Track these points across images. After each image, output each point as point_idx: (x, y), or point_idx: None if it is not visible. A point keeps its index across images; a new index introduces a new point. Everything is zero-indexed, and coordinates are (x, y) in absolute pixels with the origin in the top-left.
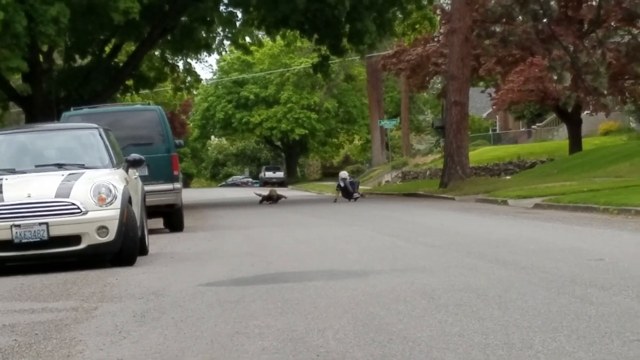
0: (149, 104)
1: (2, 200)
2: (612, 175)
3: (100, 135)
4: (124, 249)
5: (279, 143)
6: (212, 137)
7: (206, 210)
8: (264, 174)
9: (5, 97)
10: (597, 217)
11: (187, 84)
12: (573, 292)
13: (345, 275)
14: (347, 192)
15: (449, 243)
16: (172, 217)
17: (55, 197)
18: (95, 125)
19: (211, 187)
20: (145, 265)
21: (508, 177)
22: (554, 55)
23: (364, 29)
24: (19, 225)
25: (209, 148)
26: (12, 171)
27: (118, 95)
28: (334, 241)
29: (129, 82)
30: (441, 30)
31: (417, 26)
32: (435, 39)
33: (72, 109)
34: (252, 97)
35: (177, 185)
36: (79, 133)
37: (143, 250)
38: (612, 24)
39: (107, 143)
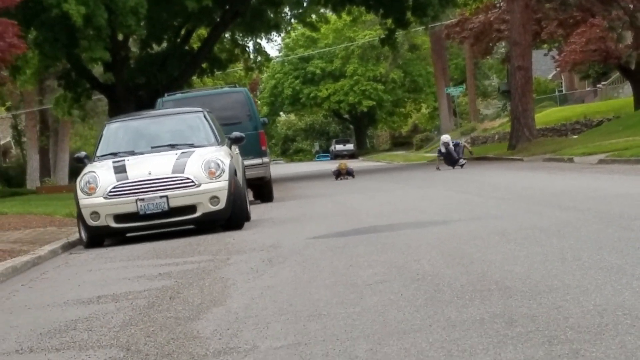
0: (235, 86)
1: (127, 178)
2: None
3: (205, 117)
4: (233, 216)
5: (347, 116)
6: (281, 113)
7: (288, 183)
8: (334, 147)
9: (89, 86)
10: None
11: (258, 64)
12: (620, 224)
13: (429, 224)
14: (451, 158)
15: (517, 196)
16: (263, 189)
17: (172, 173)
18: (200, 109)
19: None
20: (252, 228)
21: (575, 137)
22: (613, 16)
23: (427, 1)
24: (142, 199)
25: (278, 124)
26: (132, 153)
27: (194, 78)
28: (414, 200)
29: (204, 65)
30: None
31: None
32: (497, 6)
33: (165, 94)
34: (318, 72)
35: (266, 159)
36: (186, 117)
37: (247, 217)
38: None
39: (212, 124)
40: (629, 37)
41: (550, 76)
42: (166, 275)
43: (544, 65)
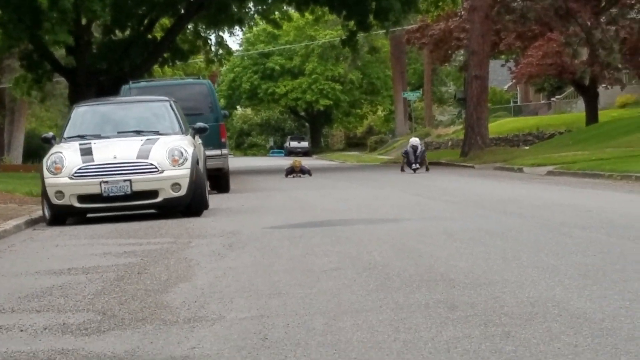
0: (199, 78)
1: (93, 161)
2: (624, 145)
3: (171, 106)
4: (193, 203)
5: (303, 113)
6: (238, 107)
7: (243, 176)
8: (289, 144)
9: (50, 69)
10: (601, 182)
11: (219, 57)
12: (560, 230)
13: (381, 221)
14: (408, 160)
15: (466, 200)
16: (220, 180)
17: (137, 158)
18: (167, 98)
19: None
20: (210, 216)
21: (526, 148)
22: (570, 32)
23: (389, 6)
24: (106, 182)
25: (234, 118)
26: (98, 136)
27: (155, 67)
28: (367, 199)
29: (166, 55)
30: (464, 6)
31: (440, 3)
32: (458, 14)
33: (130, 82)
34: (277, 68)
35: (225, 151)
36: (152, 105)
37: (206, 205)
38: (628, 0)
39: (177, 113)
40: (584, 53)
41: (506, 87)
42: (131, 253)
43: (500, 75)
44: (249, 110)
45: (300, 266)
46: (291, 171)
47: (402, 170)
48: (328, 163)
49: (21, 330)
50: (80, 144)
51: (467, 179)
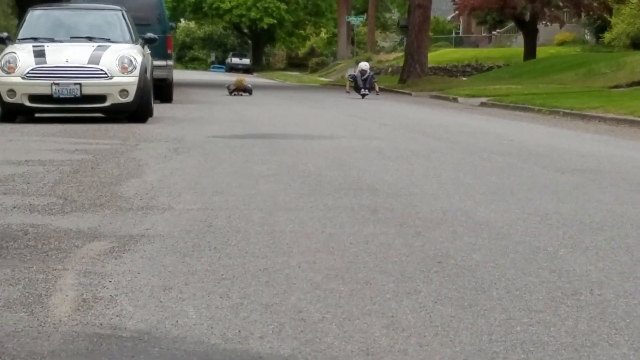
0: None
1: (45, 63)
2: (557, 82)
3: (123, 15)
4: (139, 109)
5: (246, 30)
6: (182, 20)
7: (184, 88)
8: (231, 60)
9: None
10: (530, 116)
11: None
12: (480, 155)
13: (317, 137)
14: (357, 87)
15: (399, 124)
16: (164, 90)
17: (88, 63)
18: (119, 8)
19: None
20: (156, 124)
21: (464, 79)
22: None
23: None
24: (57, 84)
25: (177, 31)
26: (51, 40)
27: None
28: (306, 117)
29: None
30: None
31: None
32: None
33: None
34: None
35: (170, 62)
36: (105, 13)
37: (151, 113)
38: None
39: (128, 23)
40: None
41: (449, 17)
42: (83, 151)
43: (444, 5)
44: (192, 24)
45: (240, 171)
46: (234, 89)
47: (348, 92)
48: (268, 81)
49: None
50: (33, 46)
51: (402, 105)
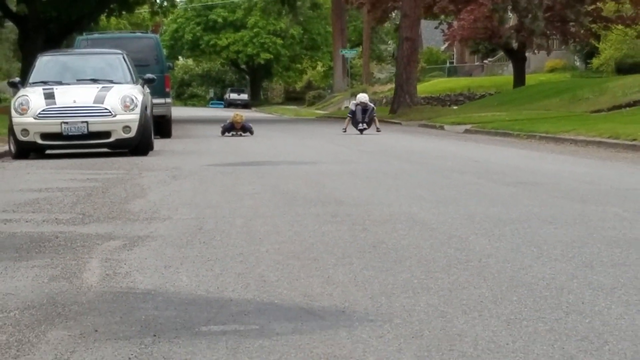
0: (147, 32)
1: (55, 104)
2: (542, 108)
3: (124, 58)
4: (141, 143)
5: (244, 66)
6: (180, 57)
7: (183, 124)
8: (229, 96)
9: (2, 16)
10: (508, 140)
11: (164, 9)
12: (442, 174)
13: (301, 163)
14: (355, 121)
15: (379, 151)
16: (163, 126)
17: (93, 103)
18: (120, 51)
19: (195, 107)
20: (156, 156)
21: (455, 107)
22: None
23: None
24: (67, 122)
25: (175, 68)
26: (60, 83)
27: (103, 17)
28: (294, 147)
29: (112, 6)
30: None
31: None
32: None
33: (84, 34)
34: (220, 20)
35: (168, 100)
36: (107, 57)
37: (151, 146)
38: None
39: (129, 65)
40: (512, 19)
41: (443, 47)
42: (93, 180)
43: (437, 36)
44: (190, 61)
45: (229, 190)
46: (230, 128)
47: (345, 130)
48: (266, 116)
49: (26, 222)
50: (44, 89)
51: (389, 134)
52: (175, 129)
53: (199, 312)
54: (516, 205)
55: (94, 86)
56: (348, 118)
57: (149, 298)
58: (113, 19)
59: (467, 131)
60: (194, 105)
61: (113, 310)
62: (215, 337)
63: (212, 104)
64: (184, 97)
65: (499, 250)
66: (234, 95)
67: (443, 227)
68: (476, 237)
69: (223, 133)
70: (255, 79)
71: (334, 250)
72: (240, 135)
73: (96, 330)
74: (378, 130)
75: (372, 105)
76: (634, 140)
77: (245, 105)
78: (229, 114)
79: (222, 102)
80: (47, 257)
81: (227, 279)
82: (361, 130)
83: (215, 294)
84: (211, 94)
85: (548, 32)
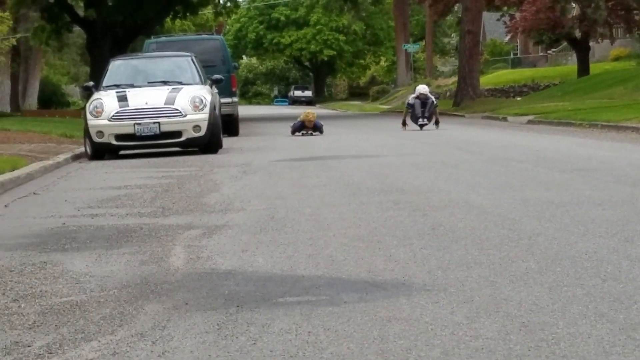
0: (212, 33)
1: (128, 106)
2: (606, 97)
3: (192, 60)
4: (210, 142)
5: (307, 63)
6: (244, 56)
7: (249, 123)
8: (293, 93)
9: (70, 21)
10: (570, 130)
11: (227, 9)
12: (500, 163)
13: (364, 157)
14: (414, 115)
15: (441, 142)
16: (231, 125)
17: (165, 104)
18: (189, 54)
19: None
20: (225, 153)
21: (518, 99)
22: None
23: None
24: (139, 123)
25: (239, 67)
26: (132, 85)
27: (168, 21)
28: (358, 141)
29: (177, 8)
30: None
31: None
32: None
33: (152, 37)
34: (282, 18)
35: (235, 99)
36: (176, 59)
37: (220, 145)
38: None
39: (197, 67)
40: (572, 10)
41: (506, 39)
42: (168, 177)
43: (501, 28)
44: (254, 60)
45: (297, 183)
46: (301, 127)
47: (404, 124)
48: (330, 112)
49: (111, 215)
50: (117, 92)
51: (452, 126)
52: (241, 127)
53: (275, 287)
54: (569, 189)
55: (165, 88)
56: (406, 111)
57: (230, 277)
58: (177, 21)
59: (530, 122)
60: (258, 103)
61: (199, 287)
62: (291, 306)
63: (276, 101)
64: (248, 95)
65: (548, 230)
66: (298, 93)
67: (498, 211)
68: (528, 219)
69: (293, 132)
70: (319, 76)
71: (396, 233)
72: (311, 134)
73: (186, 304)
74: (437, 123)
75: (432, 97)
76: None
77: (309, 102)
78: (294, 111)
79: (287, 100)
80: (135, 245)
81: (298, 260)
82: (421, 126)
83: (288, 272)
84: (275, 91)
85: (611, 20)
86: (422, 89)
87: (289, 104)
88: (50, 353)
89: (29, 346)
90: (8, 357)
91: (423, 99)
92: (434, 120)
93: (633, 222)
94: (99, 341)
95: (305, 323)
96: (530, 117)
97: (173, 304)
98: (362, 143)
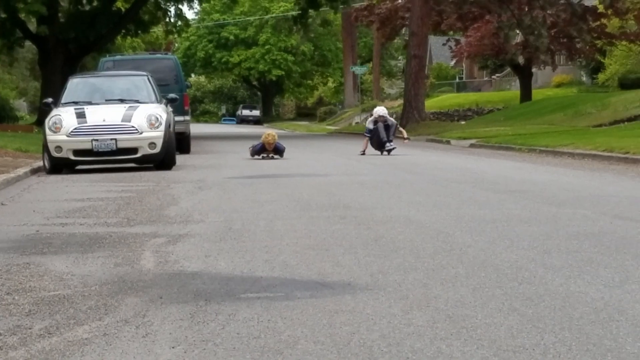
0: (166, 53)
1: (86, 122)
2: (547, 123)
3: (148, 80)
4: (165, 158)
5: (255, 82)
6: (192, 74)
7: (199, 141)
8: (241, 112)
9: (22, 36)
10: (509, 154)
11: (177, 28)
12: (441, 183)
13: (313, 175)
14: (379, 139)
15: (386, 163)
16: (183, 142)
17: (121, 121)
18: (145, 73)
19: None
20: (179, 170)
21: (462, 123)
22: (502, 17)
23: None
24: (97, 140)
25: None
26: (90, 103)
27: (119, 38)
28: (307, 160)
29: (129, 26)
30: None
31: None
32: None
33: (107, 56)
34: (232, 37)
35: (187, 117)
36: (133, 78)
37: (174, 161)
38: None
39: (153, 86)
40: (515, 37)
41: (452, 63)
42: (128, 191)
43: (447, 52)
44: (202, 78)
45: (251, 198)
46: (261, 149)
47: (363, 153)
48: (278, 131)
49: (80, 225)
50: (75, 109)
51: (397, 149)
52: (192, 145)
53: (237, 285)
54: (500, 208)
55: (122, 106)
56: (366, 139)
57: (196, 277)
58: (128, 38)
59: (472, 145)
60: (206, 121)
61: (170, 285)
62: (252, 301)
63: (224, 120)
64: (196, 113)
65: (478, 242)
66: (246, 112)
67: (434, 226)
68: (461, 233)
69: (253, 155)
70: (267, 95)
71: (342, 243)
72: (272, 157)
73: (161, 297)
74: (407, 139)
75: (393, 120)
76: (627, 153)
77: (257, 121)
78: (242, 130)
79: (235, 119)
80: (107, 250)
81: (256, 264)
82: (389, 151)
83: (248, 274)
84: (223, 110)
85: (553, 48)
86: (382, 111)
87: (237, 122)
88: (50, 334)
89: (30, 329)
90: (14, 337)
91: (383, 122)
92: (402, 137)
93: (553, 237)
94: (90, 325)
95: (265, 313)
96: (473, 141)
97: (149, 297)
98: (311, 162)
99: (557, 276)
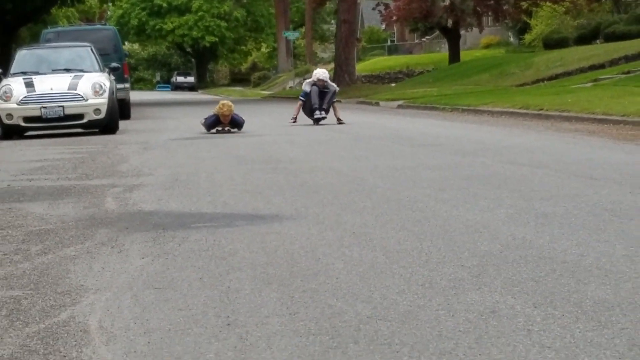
0: (104, 24)
1: (35, 91)
2: (473, 83)
3: (91, 50)
4: (109, 124)
5: (189, 49)
6: (126, 42)
7: (137, 107)
8: (176, 79)
9: None
10: (434, 113)
11: None
12: (363, 140)
13: (249, 135)
14: (310, 107)
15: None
16: (123, 108)
17: (68, 89)
18: (88, 44)
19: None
20: (123, 134)
21: (393, 85)
22: None
23: None
24: (45, 107)
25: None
26: (37, 73)
27: (54, 8)
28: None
29: None
30: None
31: None
32: None
33: (49, 27)
34: (165, 5)
35: (127, 85)
36: (77, 49)
37: (117, 126)
38: None
39: (96, 56)
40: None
41: (383, 26)
42: (79, 152)
43: (379, 15)
44: (136, 46)
45: (192, 156)
46: (215, 122)
47: (294, 120)
48: (213, 97)
49: (45, 180)
50: (24, 79)
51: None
52: (132, 112)
53: (187, 219)
54: (412, 159)
55: (68, 75)
56: (299, 103)
57: (153, 214)
58: (62, 10)
59: (399, 106)
60: (140, 89)
61: (133, 220)
62: (200, 229)
63: (159, 87)
64: (130, 81)
65: (386, 184)
66: (180, 78)
67: (352, 173)
68: (373, 178)
69: (208, 129)
70: (201, 62)
71: (273, 187)
72: (229, 131)
73: (127, 228)
74: (340, 121)
75: (334, 86)
76: (541, 110)
77: (191, 87)
78: (177, 96)
79: (169, 85)
80: (75, 197)
81: (201, 204)
82: (317, 120)
83: (195, 211)
84: (158, 77)
85: (480, 10)
86: (321, 73)
87: (172, 89)
88: (45, 253)
89: (28, 250)
90: (17, 256)
91: (321, 87)
92: (335, 113)
93: (450, 179)
94: (75, 247)
95: (211, 236)
96: (400, 102)
97: (117, 228)
98: (246, 125)
99: (445, 206)
